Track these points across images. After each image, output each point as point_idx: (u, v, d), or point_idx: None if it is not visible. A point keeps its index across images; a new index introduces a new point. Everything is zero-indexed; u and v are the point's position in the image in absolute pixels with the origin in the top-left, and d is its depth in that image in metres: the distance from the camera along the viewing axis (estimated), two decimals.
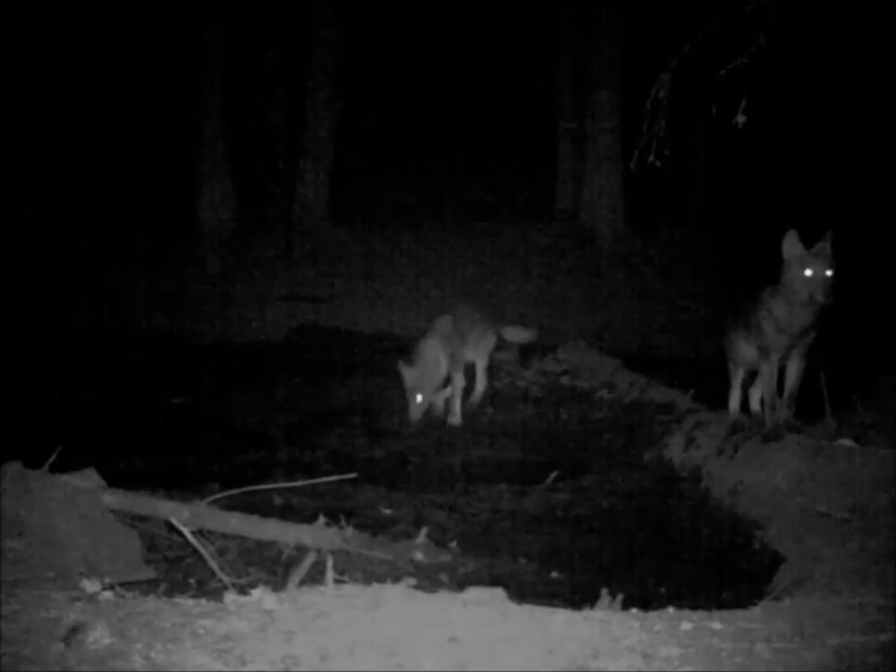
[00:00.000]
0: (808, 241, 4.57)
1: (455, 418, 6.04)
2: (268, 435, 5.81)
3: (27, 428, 5.17)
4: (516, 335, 6.65)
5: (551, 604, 2.74)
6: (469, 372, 6.39)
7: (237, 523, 3.59)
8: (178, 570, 3.41)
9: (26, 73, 13.01)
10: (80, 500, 3.19)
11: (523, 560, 3.77)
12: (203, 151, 12.66)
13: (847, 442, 4.30)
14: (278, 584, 3.02)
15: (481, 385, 6.38)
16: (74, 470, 3.36)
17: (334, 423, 6.07)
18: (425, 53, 16.23)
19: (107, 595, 2.49)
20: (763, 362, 4.82)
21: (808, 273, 4.50)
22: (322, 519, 3.67)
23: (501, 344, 6.58)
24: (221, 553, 3.47)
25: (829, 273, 4.50)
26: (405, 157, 15.28)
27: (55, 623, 2.20)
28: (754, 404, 5.24)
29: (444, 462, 5.33)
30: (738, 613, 2.52)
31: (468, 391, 6.33)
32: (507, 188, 14.82)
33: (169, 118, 13.92)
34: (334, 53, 13.00)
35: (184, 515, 3.41)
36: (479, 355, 6.35)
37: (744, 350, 5.01)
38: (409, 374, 5.89)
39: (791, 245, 4.55)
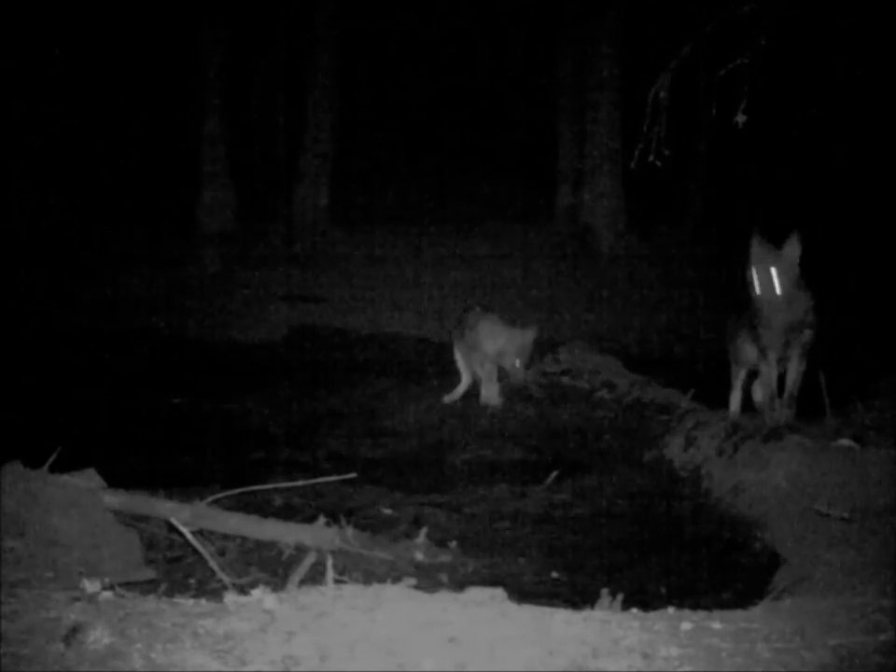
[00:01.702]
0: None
1: (494, 400, 6.04)
2: (268, 435, 5.81)
3: (27, 428, 5.18)
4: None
5: (551, 604, 2.74)
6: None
7: (237, 523, 3.59)
8: (178, 570, 3.41)
9: (26, 74, 13.01)
10: (80, 500, 3.19)
11: (523, 560, 3.77)
12: (204, 151, 12.68)
13: (847, 442, 4.30)
14: (278, 584, 3.02)
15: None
16: (74, 470, 3.36)
17: (334, 423, 6.07)
18: (425, 53, 16.24)
19: (107, 595, 2.48)
20: (762, 362, 4.84)
21: (752, 272, 4.60)
22: (322, 519, 3.67)
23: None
24: (221, 553, 3.47)
25: (771, 272, 4.58)
26: (405, 157, 15.29)
27: (55, 623, 2.20)
28: (758, 397, 5.23)
29: (444, 462, 5.33)
30: (738, 613, 2.52)
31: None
32: (507, 188, 14.82)
33: (169, 118, 13.92)
34: (334, 53, 13.01)
35: (184, 515, 3.41)
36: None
37: (746, 349, 5.03)
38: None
39: (752, 245, 4.66)
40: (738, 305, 5.18)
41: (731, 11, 4.44)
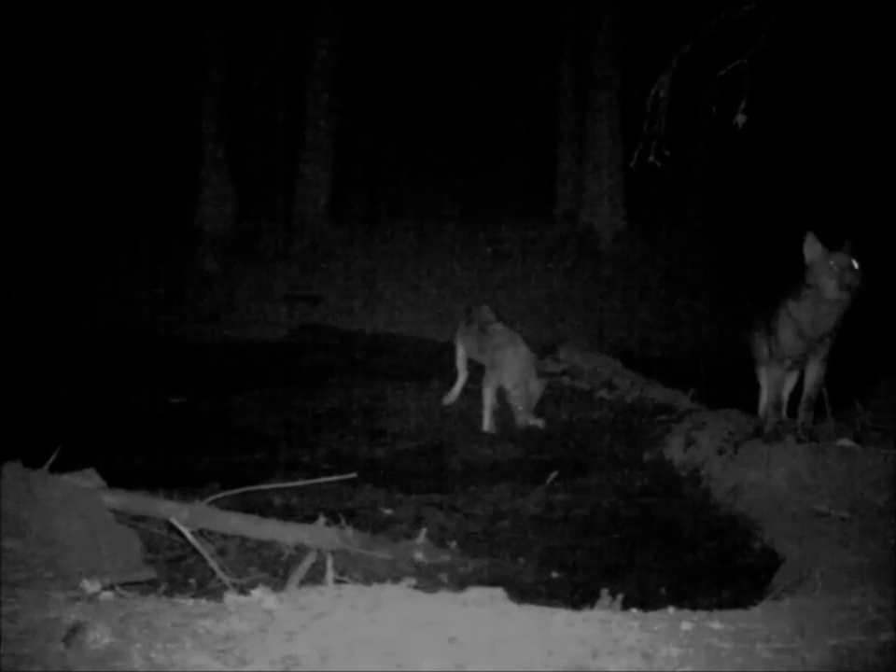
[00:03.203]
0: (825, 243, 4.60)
1: (490, 429, 5.96)
2: (268, 435, 5.81)
3: (27, 428, 5.18)
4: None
5: (551, 604, 2.74)
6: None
7: (237, 523, 3.59)
8: (178, 570, 3.41)
9: (26, 73, 13.01)
10: (80, 500, 3.19)
11: (523, 560, 3.77)
12: (204, 151, 12.66)
13: (847, 442, 4.30)
14: (278, 584, 3.02)
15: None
16: (74, 470, 3.36)
17: (334, 423, 6.07)
18: (425, 53, 16.24)
19: (107, 595, 2.48)
20: (774, 365, 4.82)
21: (833, 263, 4.51)
22: (322, 519, 3.67)
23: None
24: (221, 553, 3.47)
25: (854, 261, 4.52)
26: (405, 157, 15.29)
27: (55, 623, 2.20)
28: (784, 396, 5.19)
29: (444, 462, 5.33)
30: (738, 613, 2.52)
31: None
32: (507, 188, 14.82)
33: (169, 117, 13.92)
34: (334, 53, 13.01)
35: (184, 515, 3.41)
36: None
37: (764, 351, 5.01)
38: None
39: (811, 245, 4.56)
40: (762, 306, 5.11)
41: (731, 11, 4.44)
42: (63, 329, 8.97)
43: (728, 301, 9.29)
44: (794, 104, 12.68)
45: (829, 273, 4.49)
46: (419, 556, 3.64)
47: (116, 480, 3.54)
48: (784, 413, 4.98)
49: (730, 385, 5.68)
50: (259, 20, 14.42)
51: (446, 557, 3.68)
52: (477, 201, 14.58)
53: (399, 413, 6.29)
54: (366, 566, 3.51)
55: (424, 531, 3.76)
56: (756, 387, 5.30)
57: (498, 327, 6.08)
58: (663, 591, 3.46)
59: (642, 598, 3.03)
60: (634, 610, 2.59)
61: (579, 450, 5.52)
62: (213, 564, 3.25)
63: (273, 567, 3.47)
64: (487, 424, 5.89)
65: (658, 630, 2.31)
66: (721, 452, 4.69)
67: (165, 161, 13.56)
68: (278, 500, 4.28)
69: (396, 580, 3.05)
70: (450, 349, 6.71)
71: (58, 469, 3.30)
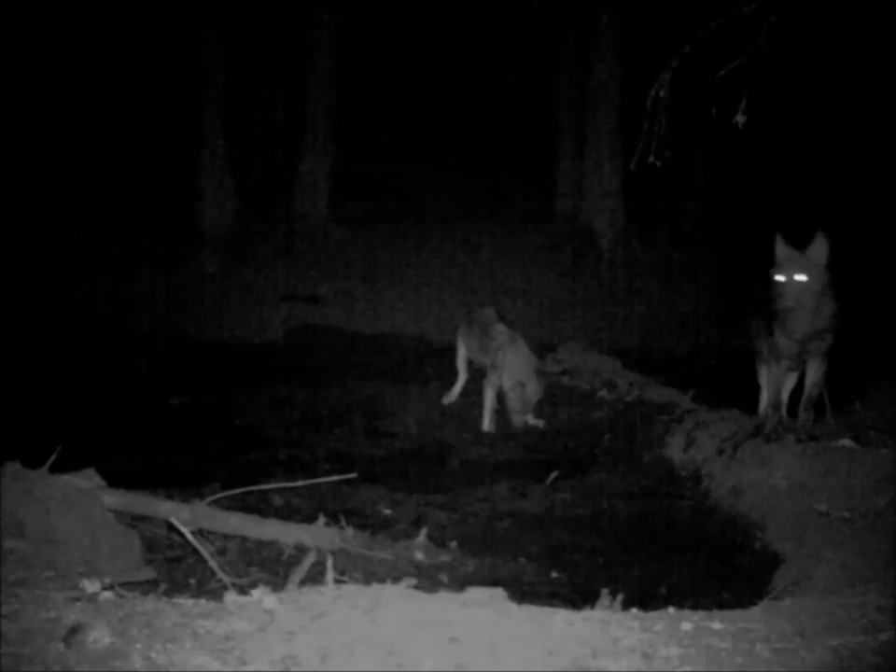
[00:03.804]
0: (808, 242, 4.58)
1: (490, 429, 6.01)
2: (268, 435, 5.81)
3: (27, 428, 5.18)
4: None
5: (551, 604, 2.74)
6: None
7: (237, 523, 3.59)
8: (178, 570, 3.41)
9: (25, 73, 13.01)
10: (80, 500, 3.19)
11: (523, 560, 3.77)
12: (204, 151, 12.66)
13: (847, 442, 4.30)
14: (278, 584, 3.02)
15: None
16: (74, 470, 3.36)
17: (334, 423, 6.08)
18: (425, 53, 16.24)
19: (107, 595, 2.48)
20: (774, 364, 4.82)
21: (778, 278, 4.51)
22: (322, 519, 3.67)
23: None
24: (221, 553, 3.47)
25: (800, 278, 4.49)
26: (405, 156, 15.29)
27: (55, 623, 2.20)
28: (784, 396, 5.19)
29: (444, 462, 5.33)
30: (738, 613, 2.52)
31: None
32: (507, 188, 14.81)
33: (169, 117, 13.92)
34: (334, 53, 13.01)
35: (184, 515, 3.41)
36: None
37: (764, 351, 5.02)
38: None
39: (777, 248, 4.57)
40: (760, 305, 5.10)
41: (731, 11, 4.44)
42: (64, 329, 8.97)
43: (728, 302, 9.29)
44: (794, 104, 12.68)
45: (775, 286, 4.50)
46: (419, 556, 3.64)
47: (116, 480, 3.54)
48: (784, 412, 4.98)
49: (730, 385, 5.68)
50: (260, 20, 14.42)
51: (446, 557, 3.68)
52: (477, 200, 14.57)
53: (399, 413, 6.29)
54: (366, 566, 3.51)
55: (424, 531, 3.76)
56: (756, 387, 5.31)
57: (500, 327, 6.09)
58: (663, 591, 3.46)
59: (642, 598, 3.03)
60: (634, 610, 2.59)
61: (579, 450, 5.52)
62: (213, 564, 3.25)
63: (273, 567, 3.47)
64: (487, 424, 5.91)
65: (658, 630, 2.31)
66: (720, 452, 4.69)
67: (166, 162, 13.56)
68: (278, 500, 4.29)
69: (396, 580, 3.05)
70: (450, 349, 6.71)
71: (58, 469, 3.30)
